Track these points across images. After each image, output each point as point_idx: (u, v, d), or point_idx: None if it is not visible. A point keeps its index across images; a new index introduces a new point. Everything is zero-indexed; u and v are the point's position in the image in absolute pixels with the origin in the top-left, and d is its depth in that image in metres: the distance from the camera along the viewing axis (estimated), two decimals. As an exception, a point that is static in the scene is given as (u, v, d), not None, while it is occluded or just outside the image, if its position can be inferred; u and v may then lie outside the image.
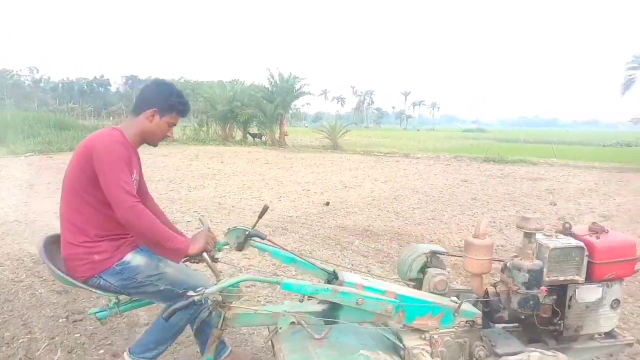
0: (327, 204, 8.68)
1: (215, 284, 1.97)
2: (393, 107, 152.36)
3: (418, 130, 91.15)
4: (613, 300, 2.39)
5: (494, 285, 2.35)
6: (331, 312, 2.12)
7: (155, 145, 2.52)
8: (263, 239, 2.54)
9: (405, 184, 11.78)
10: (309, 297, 2.14)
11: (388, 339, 2.21)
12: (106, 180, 2.10)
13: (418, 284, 2.51)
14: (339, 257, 5.38)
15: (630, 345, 2.54)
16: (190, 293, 1.84)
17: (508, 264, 2.30)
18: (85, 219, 2.21)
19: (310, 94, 27.86)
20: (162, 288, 2.27)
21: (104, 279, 2.22)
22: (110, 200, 2.11)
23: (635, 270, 2.41)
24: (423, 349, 2.09)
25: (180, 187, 10.46)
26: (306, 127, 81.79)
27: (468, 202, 9.28)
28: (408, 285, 2.50)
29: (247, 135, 28.74)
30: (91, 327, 3.50)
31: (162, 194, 9.34)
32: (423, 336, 2.16)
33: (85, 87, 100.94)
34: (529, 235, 2.20)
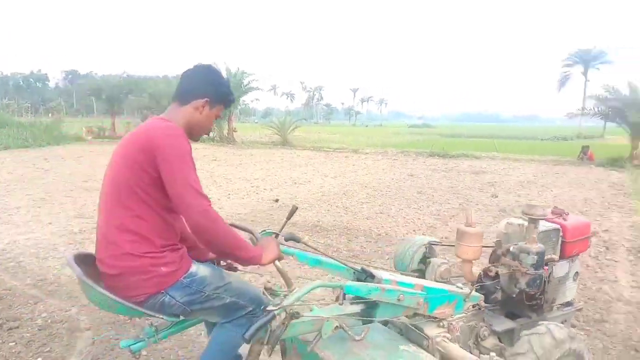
0: (277, 200, 8.67)
1: (289, 294, 1.91)
2: (342, 103, 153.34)
3: (367, 126, 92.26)
4: (575, 273, 2.76)
5: (488, 270, 2.52)
6: (368, 311, 2.07)
7: (197, 139, 2.18)
8: (298, 242, 2.39)
9: (354, 179, 11.93)
10: (340, 298, 1.96)
11: (412, 331, 2.26)
12: (175, 180, 1.81)
13: (420, 274, 2.64)
14: (288, 253, 5.38)
15: (579, 310, 3.04)
16: (271, 308, 1.74)
17: (512, 249, 2.49)
18: (150, 227, 1.87)
19: (259, 89, 27.55)
20: (228, 301, 1.97)
21: (169, 296, 1.88)
22: (177, 203, 1.81)
23: (589, 245, 2.80)
24: (444, 337, 2.18)
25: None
26: (255, 123, 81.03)
27: (414, 196, 9.51)
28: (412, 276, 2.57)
29: (195, 131, 28.16)
30: (28, 335, 3.35)
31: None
32: (441, 324, 2.26)
33: (22, 83, 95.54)
34: (534, 222, 2.40)
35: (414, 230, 6.67)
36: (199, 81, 2.11)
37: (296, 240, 2.38)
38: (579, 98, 38.73)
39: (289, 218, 2.42)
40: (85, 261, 1.91)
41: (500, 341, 2.42)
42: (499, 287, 2.53)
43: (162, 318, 1.94)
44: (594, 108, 18.85)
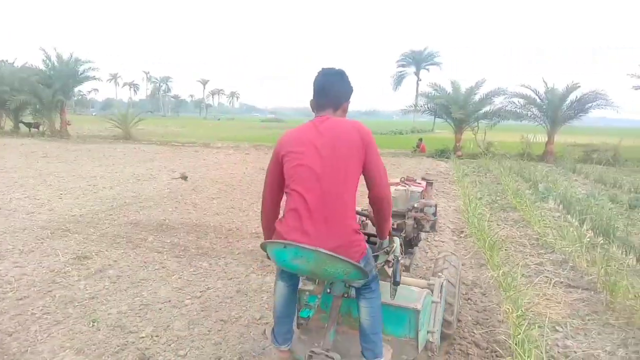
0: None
1: (389, 246, 2.58)
2: (192, 96, 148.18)
3: (219, 119, 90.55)
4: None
5: (403, 224, 3.48)
6: None
7: None
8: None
9: (205, 175, 11.57)
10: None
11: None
12: (378, 164, 2.25)
13: None
14: (130, 255, 5.00)
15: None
16: (390, 258, 2.54)
17: (416, 205, 3.65)
18: (354, 204, 2.21)
19: (96, 78, 25.16)
20: (375, 271, 2.38)
21: (362, 263, 2.17)
22: (376, 182, 2.24)
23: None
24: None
25: None
26: (94, 115, 74.54)
27: (265, 190, 9.51)
28: None
29: (20, 124, 24.85)
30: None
31: None
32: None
33: None
34: (430, 184, 4.06)
35: (264, 224, 6.66)
36: (344, 87, 2.48)
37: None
38: (412, 95, 42.48)
39: None
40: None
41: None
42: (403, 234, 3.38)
43: (353, 283, 2.30)
44: (424, 105, 20.85)
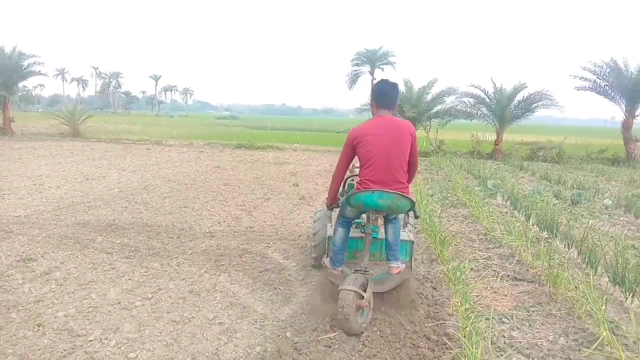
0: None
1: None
2: (143, 92, 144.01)
3: (172, 116, 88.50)
4: None
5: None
6: None
7: None
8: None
9: (157, 173, 11.31)
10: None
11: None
12: (417, 153, 3.77)
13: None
14: (77, 257, 4.83)
15: None
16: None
17: (347, 184, 4.60)
18: (405, 173, 3.65)
19: (42, 74, 24.03)
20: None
21: None
22: (415, 167, 3.82)
23: None
24: None
25: None
26: (40, 112, 71.34)
27: (220, 188, 9.43)
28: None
29: (-42, 121, 23.48)
30: None
31: None
32: None
33: None
34: (352, 170, 4.60)
35: (218, 222, 6.59)
36: (397, 94, 3.82)
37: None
38: (367, 94, 42.92)
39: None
40: None
41: None
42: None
43: (401, 212, 3.83)
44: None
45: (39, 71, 23.57)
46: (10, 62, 22.38)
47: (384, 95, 3.67)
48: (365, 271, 3.51)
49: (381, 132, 3.50)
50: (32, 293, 3.90)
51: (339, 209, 3.96)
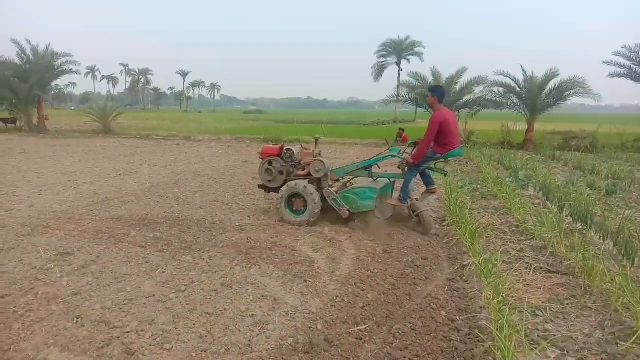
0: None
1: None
2: (172, 88, 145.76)
3: (200, 112, 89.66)
4: None
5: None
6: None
7: None
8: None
9: (187, 168, 11.50)
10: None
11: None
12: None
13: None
14: (112, 251, 4.96)
15: None
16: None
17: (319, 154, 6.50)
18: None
19: (74, 72, 24.64)
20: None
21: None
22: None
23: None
24: None
25: None
26: (72, 109, 73.21)
27: (249, 182, 9.52)
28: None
29: (-3, 120, 24.31)
30: None
31: None
32: None
33: None
34: (317, 139, 7.25)
35: (248, 216, 6.66)
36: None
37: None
38: (394, 85, 42.50)
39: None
40: None
41: None
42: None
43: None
44: (405, 95, 20.89)
45: (71, 69, 24.17)
46: (43, 62, 23.03)
47: (443, 95, 6.06)
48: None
49: (451, 117, 5.90)
50: (70, 286, 4.03)
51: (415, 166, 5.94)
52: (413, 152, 6.00)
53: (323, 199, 6.21)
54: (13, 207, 6.92)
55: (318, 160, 6.28)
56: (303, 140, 19.96)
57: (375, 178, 6.31)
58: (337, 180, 6.70)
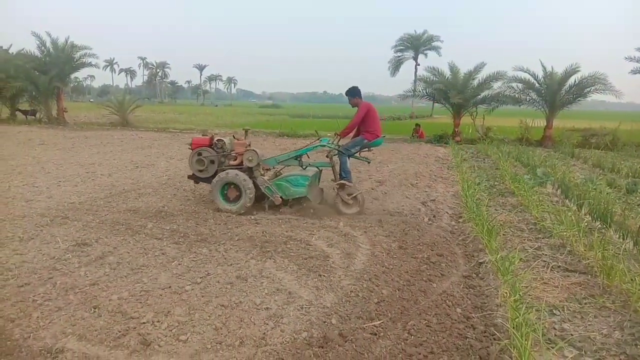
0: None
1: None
2: (188, 82, 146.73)
3: (216, 105, 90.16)
4: None
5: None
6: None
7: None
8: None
9: (202, 161, 11.54)
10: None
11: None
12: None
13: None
14: (129, 242, 5.01)
15: None
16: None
17: (250, 145, 6.89)
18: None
19: (93, 65, 24.91)
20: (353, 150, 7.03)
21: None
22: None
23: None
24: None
25: None
26: (91, 102, 74.12)
27: (264, 176, 9.51)
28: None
29: (17, 112, 24.71)
30: None
31: None
32: None
33: None
34: (246, 130, 7.41)
35: (263, 210, 6.68)
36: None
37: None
38: (410, 80, 42.22)
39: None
40: None
41: None
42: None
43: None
44: (422, 90, 20.69)
45: (90, 62, 24.41)
46: (63, 55, 23.27)
47: (359, 92, 7.13)
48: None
49: (375, 109, 6.95)
50: (87, 276, 4.08)
51: (346, 150, 6.86)
52: (342, 130, 7.03)
53: (256, 188, 6.49)
54: (33, 198, 7.03)
55: (251, 150, 6.59)
56: (319, 135, 19.97)
57: (305, 167, 6.72)
58: (268, 169, 7.06)
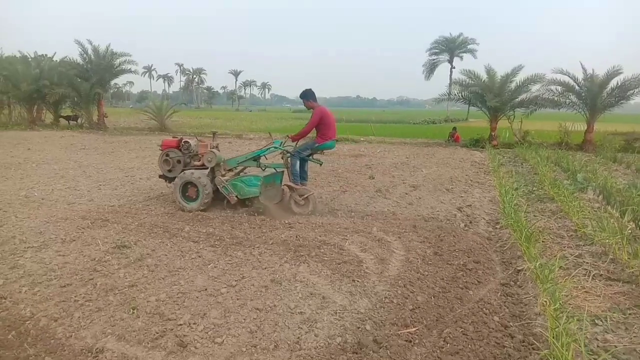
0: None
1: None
2: (224, 87, 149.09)
3: (251, 110, 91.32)
4: None
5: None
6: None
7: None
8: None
9: (237, 165, 11.69)
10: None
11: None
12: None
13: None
14: (167, 245, 5.12)
15: None
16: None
17: (214, 146, 7.34)
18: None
19: (132, 71, 25.62)
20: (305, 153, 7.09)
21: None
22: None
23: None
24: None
25: (-26, 179, 8.93)
26: (130, 107, 76.13)
27: (297, 180, 9.56)
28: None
29: (60, 118, 25.64)
30: None
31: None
32: None
33: None
34: (215, 133, 8.08)
35: (296, 214, 6.71)
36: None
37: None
38: (445, 83, 41.75)
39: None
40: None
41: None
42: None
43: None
44: (457, 93, 20.37)
45: (130, 69, 25.09)
46: (104, 62, 24.01)
47: (313, 95, 7.17)
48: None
49: (329, 113, 7.03)
50: (126, 278, 4.19)
51: (297, 152, 6.98)
52: (295, 134, 7.16)
53: (216, 187, 6.77)
54: (74, 201, 7.28)
55: (210, 151, 6.90)
56: (352, 139, 19.97)
57: (263, 168, 7.03)
58: (231, 170, 7.30)
